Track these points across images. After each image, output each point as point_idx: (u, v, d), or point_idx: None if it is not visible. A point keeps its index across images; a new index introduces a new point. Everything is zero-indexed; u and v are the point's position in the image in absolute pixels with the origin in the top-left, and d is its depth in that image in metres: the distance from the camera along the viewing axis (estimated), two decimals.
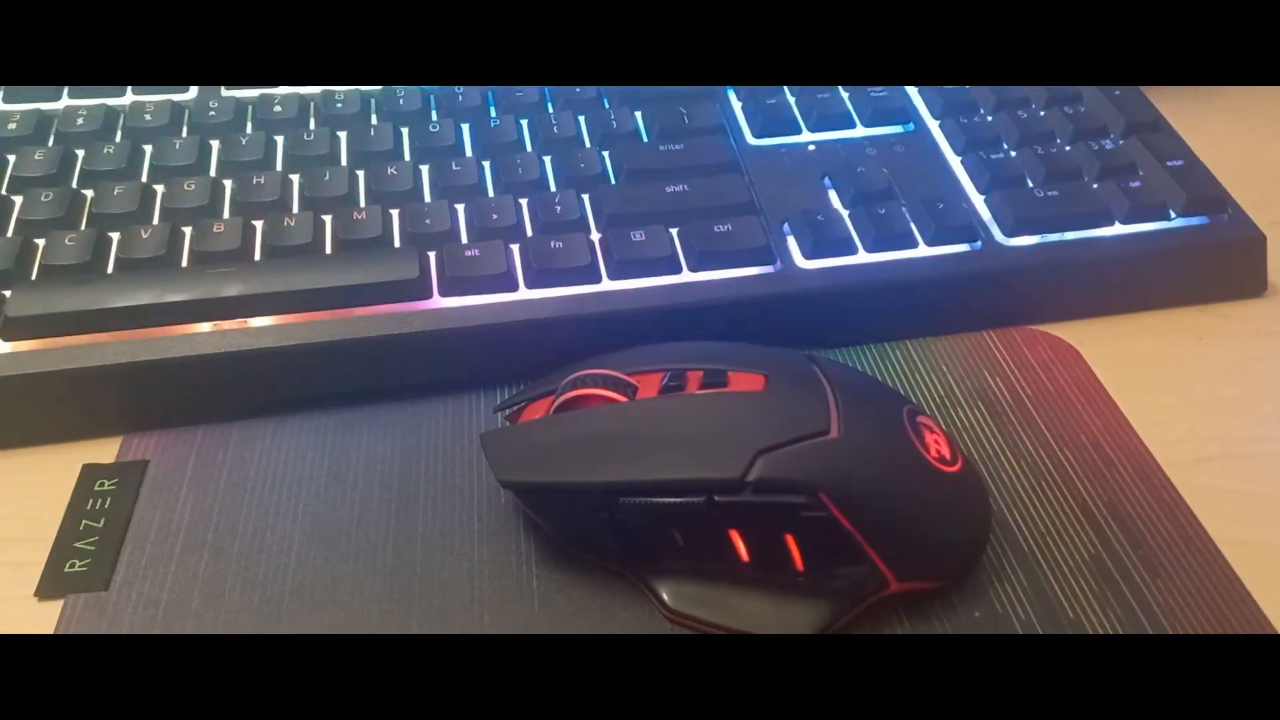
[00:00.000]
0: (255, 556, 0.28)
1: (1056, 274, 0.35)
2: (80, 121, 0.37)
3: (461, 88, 0.39)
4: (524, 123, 0.38)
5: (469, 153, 0.37)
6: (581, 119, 0.38)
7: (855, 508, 0.25)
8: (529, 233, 0.34)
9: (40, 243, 0.33)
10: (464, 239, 0.34)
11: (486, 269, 0.32)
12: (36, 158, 0.35)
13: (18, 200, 0.34)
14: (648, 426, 0.26)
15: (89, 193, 0.35)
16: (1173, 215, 0.35)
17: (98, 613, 0.27)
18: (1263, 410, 0.32)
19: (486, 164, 0.36)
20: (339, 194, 0.35)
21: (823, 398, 0.26)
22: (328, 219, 0.34)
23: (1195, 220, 0.35)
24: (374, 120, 0.38)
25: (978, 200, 0.36)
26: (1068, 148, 0.37)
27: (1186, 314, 0.36)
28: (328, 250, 0.33)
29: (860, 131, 0.38)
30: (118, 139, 0.37)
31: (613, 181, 0.36)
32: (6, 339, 0.31)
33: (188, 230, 0.34)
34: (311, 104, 0.38)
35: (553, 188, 0.36)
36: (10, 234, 0.33)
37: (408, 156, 0.37)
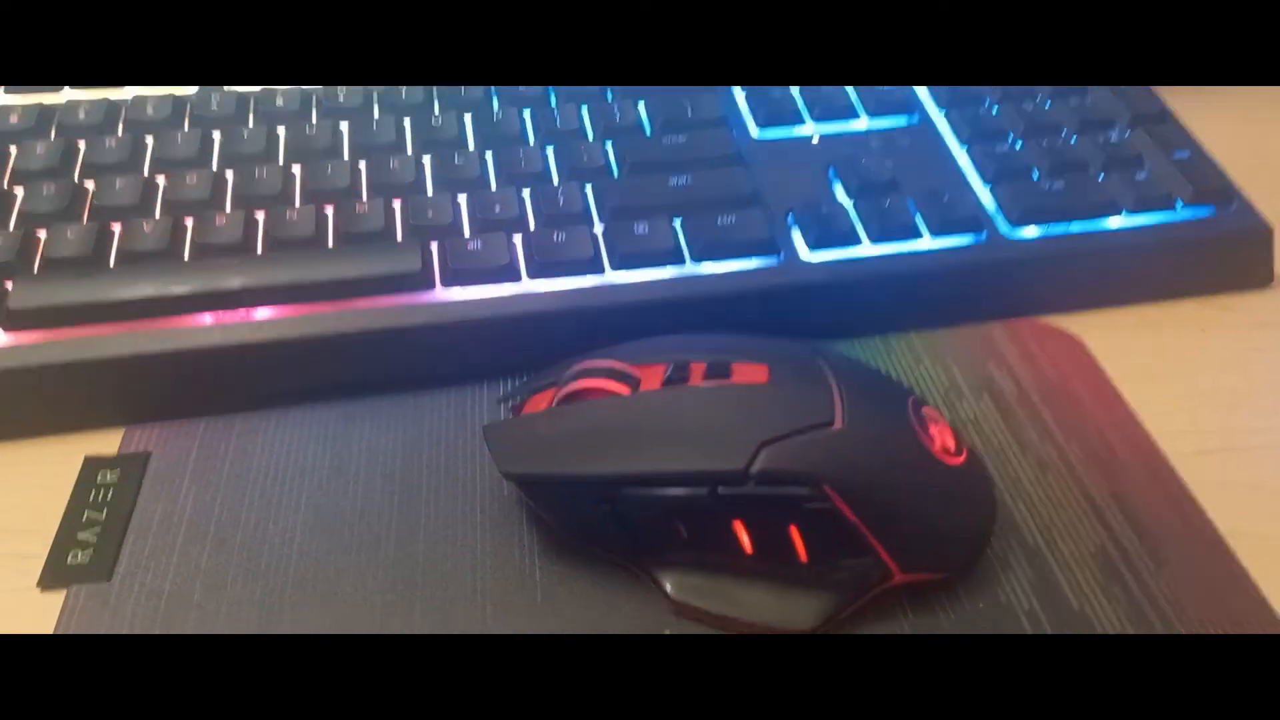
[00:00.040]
0: (257, 548, 0.28)
1: (1062, 266, 0.34)
2: (82, 114, 0.37)
3: None
4: (526, 114, 0.38)
5: (471, 145, 0.37)
6: (584, 111, 0.38)
7: (859, 499, 0.25)
8: (531, 225, 0.34)
9: (42, 235, 0.33)
10: (466, 231, 0.34)
11: (489, 261, 0.32)
12: (38, 150, 0.35)
13: (20, 192, 0.34)
14: (651, 418, 0.26)
15: (91, 185, 0.35)
16: (1179, 207, 0.35)
17: (100, 604, 0.27)
18: (1269, 402, 0.32)
19: (489, 156, 0.36)
20: (341, 186, 0.35)
21: (827, 389, 0.26)
22: (330, 211, 0.34)
23: (1201, 212, 0.35)
24: (376, 112, 0.38)
25: (983, 192, 0.36)
26: (1073, 139, 0.37)
27: (1192, 305, 0.35)
28: (330, 242, 0.33)
29: (864, 123, 0.38)
30: (119, 132, 0.37)
31: (615, 173, 0.36)
32: (9, 331, 0.31)
33: (190, 223, 0.33)
34: (313, 96, 0.38)
35: (555, 180, 0.36)
36: (12, 227, 0.33)
37: (410, 149, 0.37)
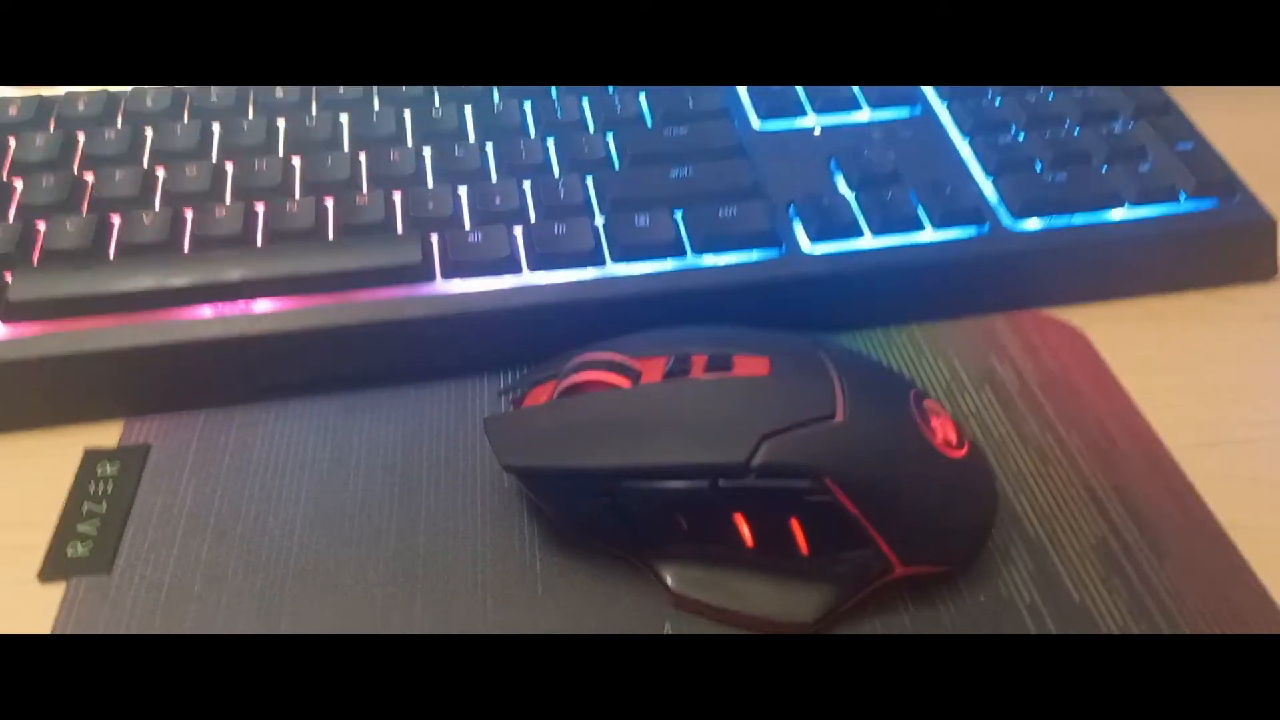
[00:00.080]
0: (258, 540, 0.28)
1: (1064, 258, 0.34)
2: (81, 106, 0.37)
3: None
4: (527, 106, 0.38)
5: (472, 137, 0.37)
6: (585, 102, 0.38)
7: (860, 492, 0.25)
8: (532, 217, 0.34)
9: (42, 227, 0.33)
10: (466, 223, 0.34)
11: (489, 253, 0.32)
12: (38, 142, 0.35)
13: (19, 184, 0.34)
14: (652, 411, 0.26)
15: (90, 177, 0.35)
16: (1182, 198, 0.35)
17: (100, 596, 0.27)
18: (1271, 394, 0.32)
19: (489, 147, 0.36)
20: (341, 178, 0.35)
21: (828, 382, 0.26)
22: (330, 203, 0.34)
23: (1205, 204, 0.35)
24: (376, 104, 0.38)
25: (985, 183, 0.36)
26: (1076, 131, 0.37)
27: (1195, 298, 0.35)
28: (330, 235, 0.33)
29: (866, 114, 0.38)
30: (119, 123, 0.37)
31: (616, 165, 0.36)
32: (8, 323, 0.31)
33: (189, 214, 0.33)
34: (313, 88, 0.38)
35: (556, 172, 0.36)
36: (12, 218, 0.33)
37: (410, 140, 0.37)
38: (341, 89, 0.38)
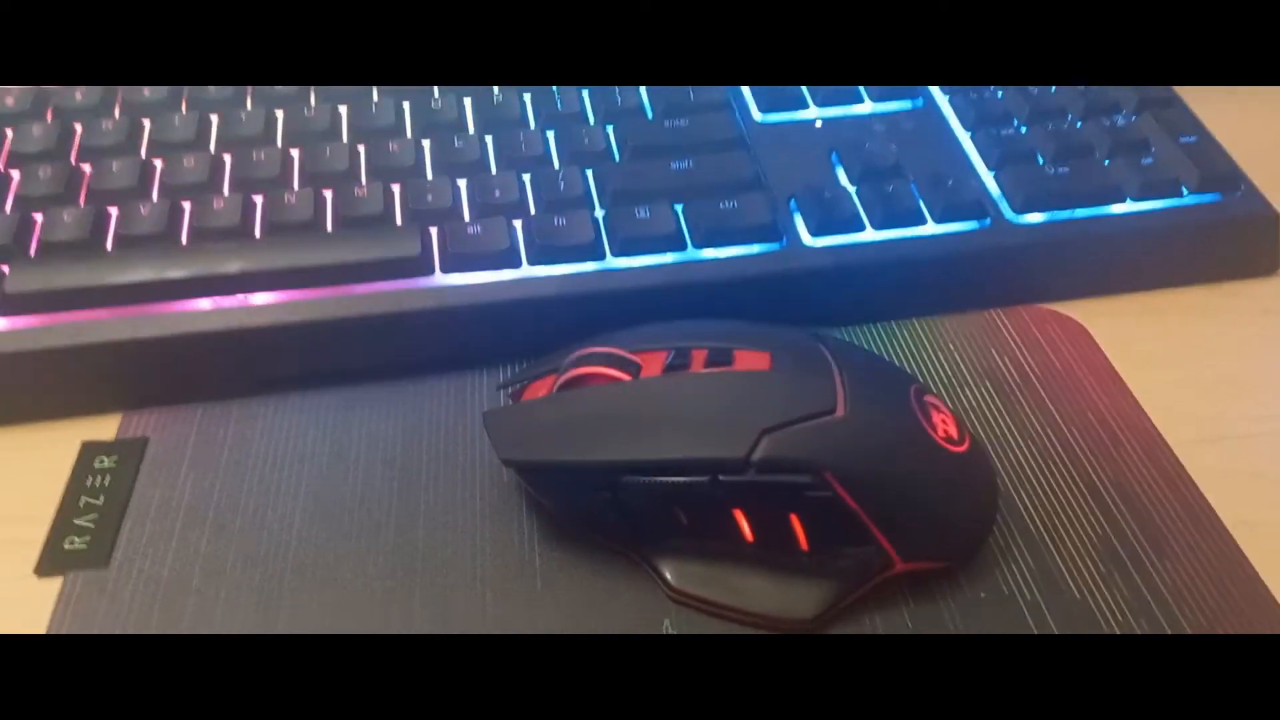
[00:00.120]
0: (256, 534, 0.28)
1: (1066, 252, 0.34)
2: (79, 97, 0.37)
3: None
4: (527, 98, 0.37)
5: (471, 128, 0.37)
6: (585, 94, 0.38)
7: (861, 488, 0.25)
8: (532, 209, 0.34)
9: (39, 218, 0.33)
10: (466, 216, 0.34)
11: (489, 246, 0.32)
12: (35, 133, 0.35)
13: (16, 175, 0.34)
14: (651, 405, 0.26)
15: (88, 168, 0.34)
16: (1185, 192, 0.35)
17: (98, 590, 0.27)
18: (1273, 389, 0.32)
19: (489, 140, 0.36)
20: (340, 170, 0.34)
21: (829, 377, 0.26)
22: (329, 195, 0.34)
23: (1208, 198, 0.35)
24: (375, 95, 0.38)
25: (987, 177, 0.35)
26: (1079, 124, 0.37)
27: (1197, 292, 0.35)
28: (329, 227, 0.33)
29: (868, 107, 0.38)
30: (116, 114, 0.37)
31: (617, 158, 0.36)
32: (6, 315, 0.30)
33: (187, 206, 0.33)
34: None
35: (556, 164, 0.35)
36: (9, 210, 0.33)
37: (409, 132, 0.36)
38: None
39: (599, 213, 0.34)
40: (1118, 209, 0.35)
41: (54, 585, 0.27)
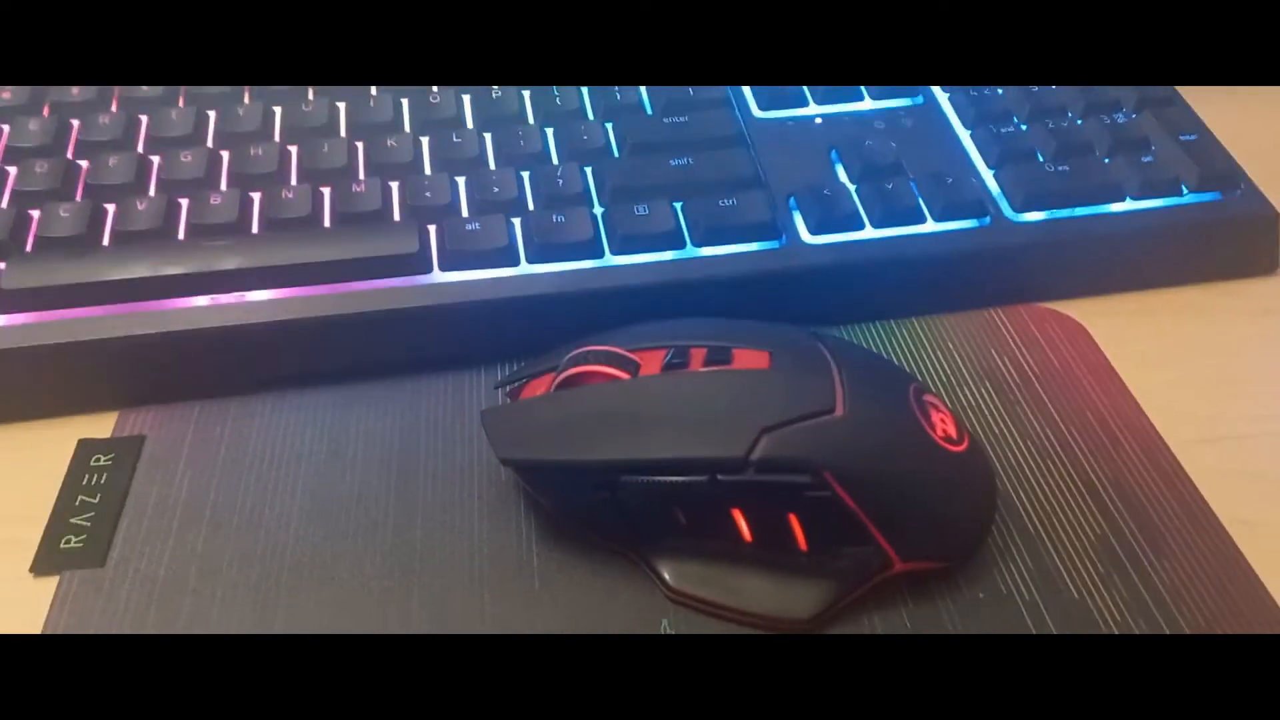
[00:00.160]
0: (253, 532, 0.28)
1: (1066, 251, 0.34)
2: (75, 92, 0.37)
3: None
4: (526, 94, 0.37)
5: (470, 125, 0.36)
6: (585, 91, 0.37)
7: (860, 487, 0.25)
8: (530, 206, 0.34)
9: (35, 214, 0.33)
10: (464, 212, 0.34)
11: (487, 243, 0.32)
12: (31, 128, 0.35)
13: (12, 171, 0.34)
14: (650, 404, 0.26)
15: (84, 164, 0.34)
16: (1185, 191, 0.35)
17: (94, 589, 0.27)
18: (1272, 389, 0.32)
19: (488, 136, 0.36)
20: (338, 166, 0.34)
21: (828, 376, 0.26)
22: (326, 192, 0.34)
23: (1207, 197, 0.35)
24: (373, 91, 0.38)
25: (987, 175, 0.35)
26: (1079, 122, 0.37)
27: (1197, 292, 0.35)
28: (326, 223, 0.33)
29: (868, 104, 0.38)
30: (113, 109, 0.37)
31: (616, 154, 0.35)
32: (1, 311, 0.30)
33: (184, 202, 0.33)
34: None
35: (555, 161, 0.35)
36: (5, 205, 0.33)
37: (408, 128, 0.36)
38: None
39: (598, 210, 0.33)
40: (1117, 208, 0.34)
41: (50, 584, 0.27)
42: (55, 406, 0.31)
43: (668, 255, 0.32)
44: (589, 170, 0.34)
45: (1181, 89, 0.39)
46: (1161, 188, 0.35)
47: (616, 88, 0.37)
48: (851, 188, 0.34)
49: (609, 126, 0.36)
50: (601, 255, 0.32)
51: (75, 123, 0.36)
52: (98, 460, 0.30)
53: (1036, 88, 0.38)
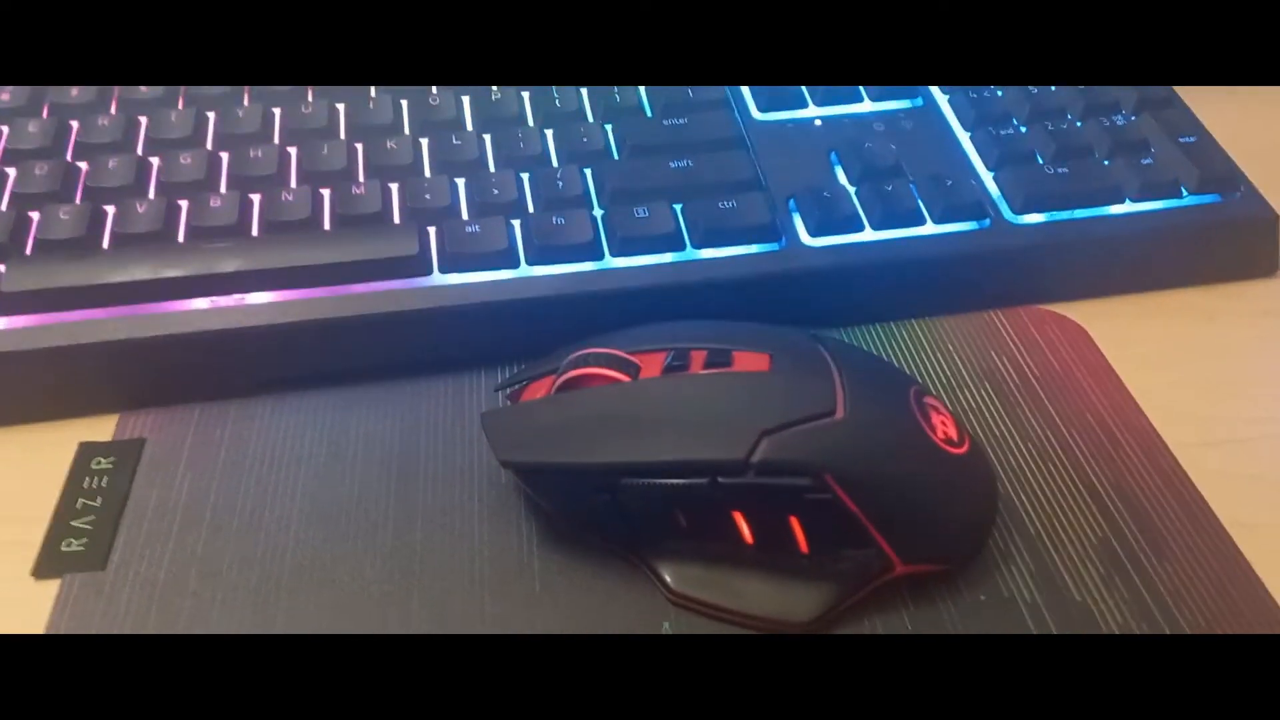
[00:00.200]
0: (254, 535, 0.28)
1: (1066, 253, 0.34)
2: (75, 93, 0.36)
3: None
4: (525, 96, 0.37)
5: (470, 127, 0.36)
6: (584, 93, 0.37)
7: (861, 490, 0.25)
8: (530, 208, 0.34)
9: (35, 216, 0.32)
10: (464, 215, 0.34)
11: (487, 245, 0.32)
12: (30, 130, 0.35)
13: (11, 173, 0.34)
14: (650, 406, 0.26)
15: (84, 165, 0.34)
16: (1184, 193, 0.35)
17: (95, 592, 0.27)
18: (1273, 391, 0.32)
19: (487, 138, 0.36)
20: (338, 168, 0.34)
21: (828, 378, 0.26)
22: (326, 194, 0.33)
23: (1207, 198, 0.35)
24: (373, 92, 0.37)
25: (987, 177, 0.35)
26: (1079, 124, 0.37)
27: (1196, 294, 0.35)
28: (326, 226, 0.33)
29: (868, 106, 0.38)
30: (112, 110, 0.36)
31: (616, 156, 0.35)
32: (1, 314, 0.30)
33: (184, 204, 0.33)
34: None
35: (555, 163, 0.35)
36: (4, 207, 0.33)
37: (407, 130, 0.36)
38: None
39: (598, 212, 0.33)
40: (1117, 209, 0.34)
41: (51, 587, 0.27)
42: (56, 409, 0.31)
43: (667, 257, 0.32)
44: (589, 172, 0.34)
45: (1180, 89, 0.39)
46: (1161, 190, 0.35)
47: (616, 89, 0.37)
48: (851, 190, 0.34)
49: (608, 128, 0.36)
50: (601, 257, 0.32)
51: (74, 124, 0.35)
52: (98, 463, 0.29)
53: (1036, 89, 0.38)
